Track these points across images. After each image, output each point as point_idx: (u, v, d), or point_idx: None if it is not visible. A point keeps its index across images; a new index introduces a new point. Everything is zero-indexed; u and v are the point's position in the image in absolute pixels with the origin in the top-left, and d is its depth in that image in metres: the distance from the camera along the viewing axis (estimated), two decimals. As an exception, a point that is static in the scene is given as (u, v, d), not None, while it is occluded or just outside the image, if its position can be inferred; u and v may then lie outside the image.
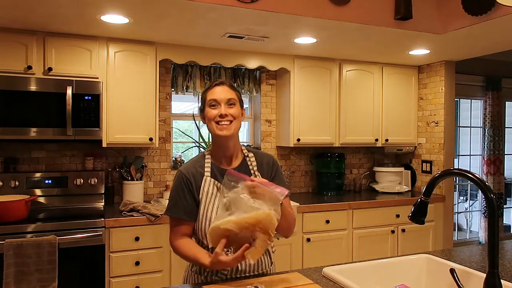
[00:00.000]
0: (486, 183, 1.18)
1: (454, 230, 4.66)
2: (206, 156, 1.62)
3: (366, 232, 3.55)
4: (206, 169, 1.58)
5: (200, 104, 1.65)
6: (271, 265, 1.65)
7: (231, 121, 1.54)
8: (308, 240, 3.31)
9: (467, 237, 5.19)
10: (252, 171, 1.62)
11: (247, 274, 1.55)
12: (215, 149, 1.62)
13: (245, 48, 3.39)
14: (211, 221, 1.50)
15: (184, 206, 1.55)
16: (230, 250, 1.42)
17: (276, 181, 1.67)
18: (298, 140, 3.65)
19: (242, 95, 1.66)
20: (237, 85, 3.78)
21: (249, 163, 1.64)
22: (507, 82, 4.91)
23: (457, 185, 5.13)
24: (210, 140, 3.63)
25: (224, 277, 1.53)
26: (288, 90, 3.70)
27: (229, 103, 1.55)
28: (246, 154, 1.66)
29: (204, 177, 1.56)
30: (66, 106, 2.80)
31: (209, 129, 1.59)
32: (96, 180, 3.20)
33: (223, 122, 1.53)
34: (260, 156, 1.68)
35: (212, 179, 1.56)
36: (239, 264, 1.54)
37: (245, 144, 3.98)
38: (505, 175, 5.06)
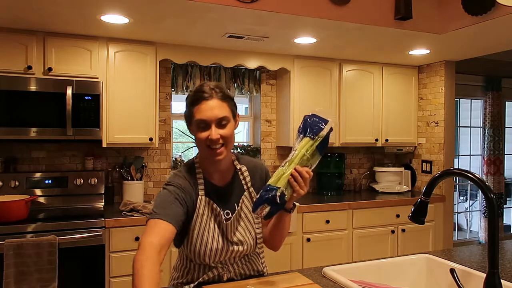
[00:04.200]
0: (486, 183, 1.18)
1: (454, 230, 4.66)
2: (197, 170, 1.46)
3: (366, 232, 3.54)
4: (199, 186, 1.43)
5: (186, 111, 1.41)
6: (264, 268, 1.60)
7: (223, 144, 1.36)
8: (308, 240, 3.31)
9: (467, 237, 5.19)
10: (245, 187, 1.51)
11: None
12: (204, 162, 1.46)
13: (245, 48, 3.39)
14: (207, 245, 1.39)
15: (175, 213, 1.34)
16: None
17: None
18: (298, 140, 3.64)
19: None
20: (237, 85, 3.75)
21: (241, 177, 1.51)
22: (507, 82, 4.91)
23: (457, 185, 5.13)
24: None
25: None
26: (288, 90, 3.70)
27: (221, 123, 1.34)
28: (238, 168, 1.51)
29: (200, 197, 1.42)
30: (66, 106, 2.80)
31: (198, 148, 1.42)
32: (96, 180, 3.20)
33: (215, 147, 1.35)
34: (253, 168, 1.54)
35: (207, 198, 1.42)
36: (229, 273, 1.47)
37: (244, 144, 3.98)
38: (505, 175, 5.06)
